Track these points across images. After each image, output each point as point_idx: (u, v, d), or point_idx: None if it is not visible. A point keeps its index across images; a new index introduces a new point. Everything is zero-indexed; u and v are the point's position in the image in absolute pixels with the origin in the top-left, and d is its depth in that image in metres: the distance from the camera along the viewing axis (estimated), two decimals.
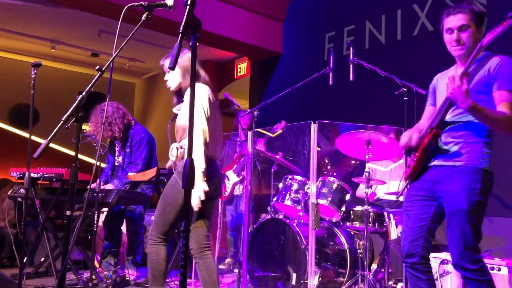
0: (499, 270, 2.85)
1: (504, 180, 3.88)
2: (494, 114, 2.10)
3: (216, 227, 4.95)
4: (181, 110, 2.72)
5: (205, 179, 2.45)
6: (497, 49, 2.29)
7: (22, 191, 3.92)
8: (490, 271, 2.21)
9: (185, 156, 1.64)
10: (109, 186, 4.01)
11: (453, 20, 2.24)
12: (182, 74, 2.72)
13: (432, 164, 2.29)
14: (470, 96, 2.05)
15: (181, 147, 2.67)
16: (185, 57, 2.70)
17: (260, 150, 4.39)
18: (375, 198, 3.96)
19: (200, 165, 2.42)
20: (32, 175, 3.81)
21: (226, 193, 4.93)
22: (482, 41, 2.10)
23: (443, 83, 2.33)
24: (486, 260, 2.41)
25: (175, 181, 2.59)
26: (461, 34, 2.22)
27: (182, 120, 2.67)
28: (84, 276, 3.83)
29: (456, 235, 2.13)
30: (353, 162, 4.41)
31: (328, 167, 4.46)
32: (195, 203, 2.39)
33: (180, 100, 2.80)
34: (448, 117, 2.28)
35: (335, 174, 4.07)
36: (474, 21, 2.22)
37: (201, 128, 2.49)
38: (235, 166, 4.94)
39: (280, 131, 4.42)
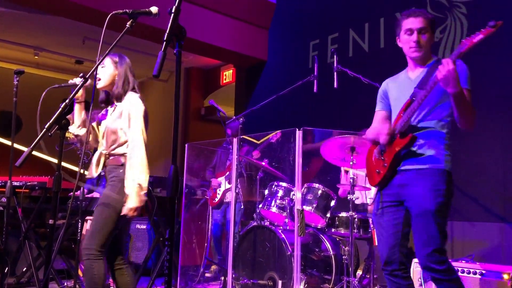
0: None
1: (486, 186, 3.95)
2: (471, 106, 2.17)
3: (202, 235, 4.92)
4: (112, 115, 2.64)
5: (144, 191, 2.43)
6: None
7: (4, 199, 3.86)
8: None
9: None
10: (95, 195, 3.97)
11: (414, 22, 2.27)
12: (116, 79, 2.63)
13: (400, 169, 2.30)
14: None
15: (110, 155, 2.60)
16: (125, 65, 2.64)
17: (247, 158, 4.39)
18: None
19: (143, 176, 2.44)
20: (14, 183, 3.75)
21: (216, 199, 4.91)
22: (461, 47, 2.06)
23: (395, 88, 2.39)
24: None
25: (112, 191, 2.53)
26: (421, 36, 2.27)
27: (114, 124, 2.59)
28: (67, 285, 3.78)
29: (423, 236, 2.17)
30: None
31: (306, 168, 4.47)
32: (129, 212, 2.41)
33: (108, 100, 2.72)
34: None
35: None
36: (431, 27, 2.29)
37: (143, 138, 2.52)
38: (228, 173, 4.93)
39: (266, 138, 4.43)
